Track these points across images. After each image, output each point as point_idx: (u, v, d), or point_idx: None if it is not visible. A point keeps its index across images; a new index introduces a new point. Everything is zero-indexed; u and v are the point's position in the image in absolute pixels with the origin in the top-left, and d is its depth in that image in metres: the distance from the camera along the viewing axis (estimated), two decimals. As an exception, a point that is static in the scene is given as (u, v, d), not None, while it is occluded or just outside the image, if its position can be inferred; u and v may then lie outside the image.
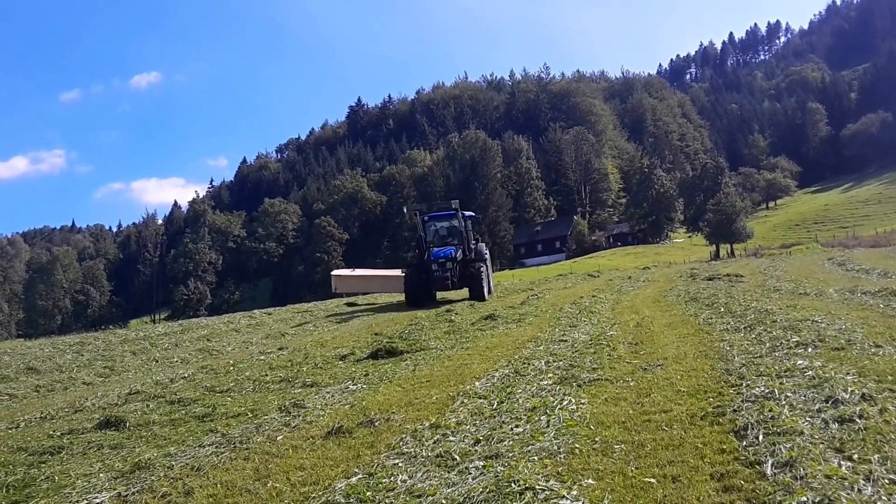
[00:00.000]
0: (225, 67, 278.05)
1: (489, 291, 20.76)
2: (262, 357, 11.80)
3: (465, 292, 20.47)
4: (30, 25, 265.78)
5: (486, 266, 20.87)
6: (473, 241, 21.62)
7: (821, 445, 4.01)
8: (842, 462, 3.73)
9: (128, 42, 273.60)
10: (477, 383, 7.15)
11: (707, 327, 9.49)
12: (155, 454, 5.66)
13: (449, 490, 3.97)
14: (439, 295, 21.82)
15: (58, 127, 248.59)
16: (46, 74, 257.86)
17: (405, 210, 25.05)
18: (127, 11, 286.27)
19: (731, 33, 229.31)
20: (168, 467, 5.24)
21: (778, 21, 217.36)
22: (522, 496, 3.72)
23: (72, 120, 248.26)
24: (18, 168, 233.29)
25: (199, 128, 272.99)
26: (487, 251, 21.77)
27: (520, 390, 6.48)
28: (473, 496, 3.81)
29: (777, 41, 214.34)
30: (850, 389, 4.97)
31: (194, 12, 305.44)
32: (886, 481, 3.45)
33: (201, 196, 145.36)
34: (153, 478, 4.99)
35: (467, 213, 22.24)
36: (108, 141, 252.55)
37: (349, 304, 23.33)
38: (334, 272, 26.73)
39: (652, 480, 3.89)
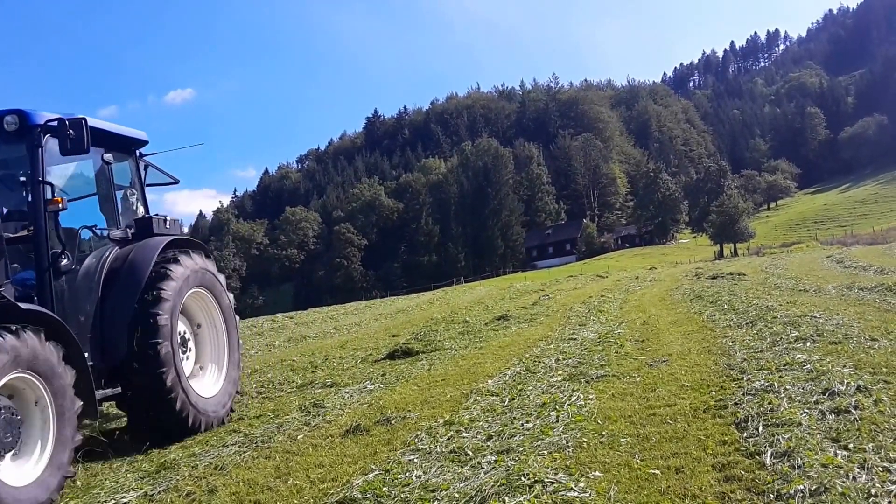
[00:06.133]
0: (253, 84, 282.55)
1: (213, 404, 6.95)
2: (284, 360, 11.98)
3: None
4: (70, 46, 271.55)
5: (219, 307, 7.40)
6: (126, 227, 6.94)
7: (818, 436, 4.05)
8: (838, 451, 3.76)
9: (163, 61, 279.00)
10: (490, 381, 7.27)
11: (710, 324, 9.63)
12: (180, 454, 5.81)
13: (462, 484, 4.01)
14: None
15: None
16: (86, 92, 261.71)
17: None
18: (163, 33, 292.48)
19: (732, 42, 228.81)
20: (192, 467, 5.36)
21: (777, 29, 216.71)
22: (532, 489, 3.76)
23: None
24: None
25: (229, 141, 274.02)
26: (198, 258, 7.15)
27: (530, 387, 6.59)
28: (485, 489, 3.83)
29: (776, 49, 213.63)
30: (846, 382, 5.05)
31: (226, 34, 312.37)
32: (880, 469, 3.49)
33: (225, 205, 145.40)
34: (178, 477, 5.09)
35: (95, 124, 6.35)
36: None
37: None
38: None
39: (656, 472, 3.94)
